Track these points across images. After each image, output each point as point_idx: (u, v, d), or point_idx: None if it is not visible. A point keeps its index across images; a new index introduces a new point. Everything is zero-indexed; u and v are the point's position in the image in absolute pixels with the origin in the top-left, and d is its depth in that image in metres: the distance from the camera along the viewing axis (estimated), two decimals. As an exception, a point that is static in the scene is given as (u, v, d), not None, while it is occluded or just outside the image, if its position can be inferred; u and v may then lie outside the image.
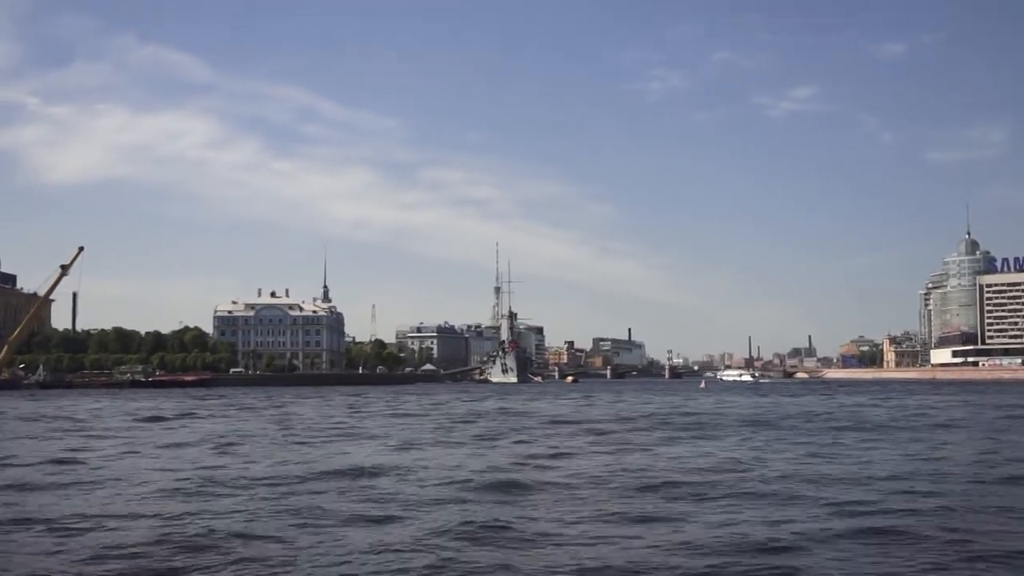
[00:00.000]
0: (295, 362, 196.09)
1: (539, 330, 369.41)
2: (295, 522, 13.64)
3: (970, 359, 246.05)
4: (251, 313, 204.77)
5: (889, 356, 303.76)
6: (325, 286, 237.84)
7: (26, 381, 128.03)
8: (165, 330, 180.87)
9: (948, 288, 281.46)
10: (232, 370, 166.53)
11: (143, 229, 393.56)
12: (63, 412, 54.41)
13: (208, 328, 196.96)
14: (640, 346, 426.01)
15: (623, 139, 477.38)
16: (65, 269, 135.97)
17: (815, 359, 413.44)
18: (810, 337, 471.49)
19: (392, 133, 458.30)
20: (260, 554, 11.41)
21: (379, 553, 11.49)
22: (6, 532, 13.16)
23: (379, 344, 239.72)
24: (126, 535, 12.74)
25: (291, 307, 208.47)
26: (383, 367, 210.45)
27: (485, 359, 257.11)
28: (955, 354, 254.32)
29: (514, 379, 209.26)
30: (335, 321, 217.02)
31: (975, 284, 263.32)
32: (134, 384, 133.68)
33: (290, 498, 16.17)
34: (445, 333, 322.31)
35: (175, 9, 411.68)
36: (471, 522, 13.58)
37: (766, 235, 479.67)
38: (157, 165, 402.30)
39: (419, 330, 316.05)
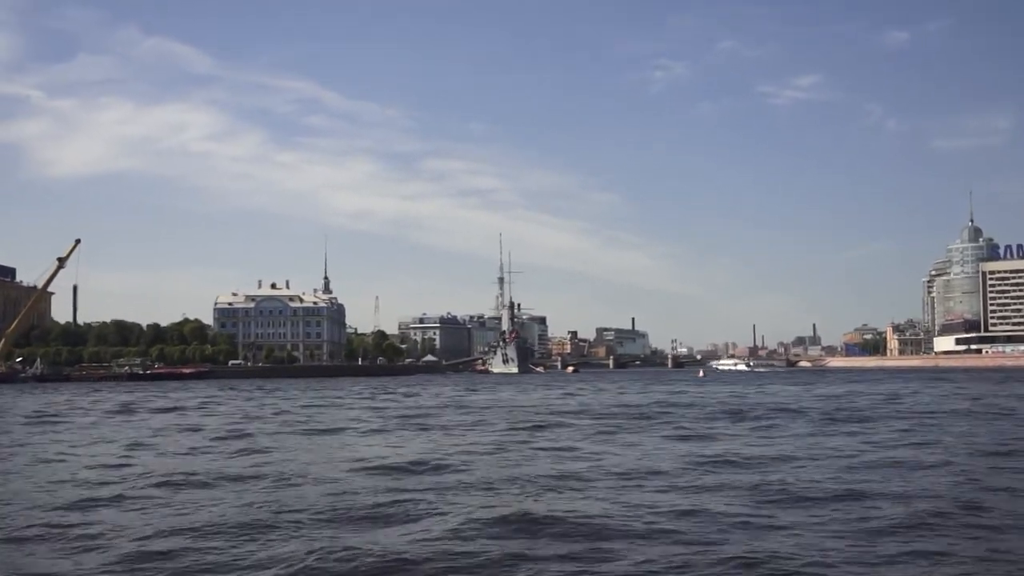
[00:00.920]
0: (295, 354, 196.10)
1: (542, 320, 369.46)
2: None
3: (973, 346, 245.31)
4: (251, 305, 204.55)
5: (892, 344, 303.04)
6: (326, 277, 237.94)
7: (23, 375, 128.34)
8: (169, 323, 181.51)
9: (951, 276, 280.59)
10: (231, 362, 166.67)
11: (146, 222, 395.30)
12: (38, 405, 54.52)
13: (209, 320, 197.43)
14: (644, 336, 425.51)
15: (626, 129, 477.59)
16: (62, 262, 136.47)
17: (819, 348, 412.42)
18: (814, 326, 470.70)
19: (395, 123, 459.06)
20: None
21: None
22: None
23: (380, 335, 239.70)
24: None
25: (291, 299, 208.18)
26: (383, 358, 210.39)
27: (486, 350, 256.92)
28: (958, 341, 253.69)
29: (515, 369, 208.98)
30: (336, 312, 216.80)
31: (978, 271, 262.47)
32: (132, 377, 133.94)
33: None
34: (448, 324, 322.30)
35: (177, 1, 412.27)
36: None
37: (770, 224, 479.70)
38: (160, 158, 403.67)
39: (422, 321, 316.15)
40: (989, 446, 23.19)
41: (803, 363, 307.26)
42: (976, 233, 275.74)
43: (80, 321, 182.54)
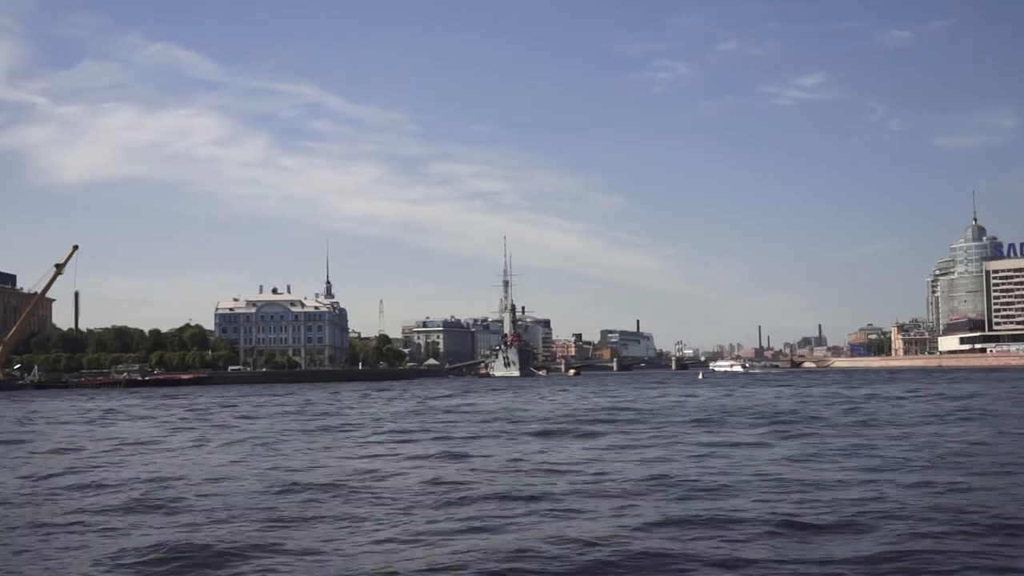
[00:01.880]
0: (296, 359, 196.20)
1: (546, 323, 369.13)
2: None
3: (978, 346, 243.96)
4: (252, 310, 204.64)
5: (897, 344, 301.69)
6: (328, 282, 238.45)
7: (20, 382, 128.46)
8: (169, 328, 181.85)
9: (955, 275, 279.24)
10: (231, 368, 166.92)
11: (151, 227, 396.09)
12: (22, 413, 54.55)
13: (211, 326, 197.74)
14: (648, 337, 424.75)
15: (631, 130, 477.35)
16: (60, 268, 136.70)
17: (825, 348, 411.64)
18: (820, 326, 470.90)
19: (399, 127, 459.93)
20: None
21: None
22: None
23: (383, 339, 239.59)
24: None
25: (293, 303, 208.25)
26: (385, 363, 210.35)
27: (488, 353, 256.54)
28: (963, 341, 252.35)
29: (516, 373, 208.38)
30: (338, 317, 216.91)
31: (982, 270, 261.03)
32: (130, 383, 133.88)
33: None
34: (451, 327, 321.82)
35: (181, 6, 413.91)
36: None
37: (775, 224, 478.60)
38: (165, 163, 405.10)
39: (425, 325, 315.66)
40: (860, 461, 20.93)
41: (808, 364, 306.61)
42: (980, 232, 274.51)
43: (83, 327, 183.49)
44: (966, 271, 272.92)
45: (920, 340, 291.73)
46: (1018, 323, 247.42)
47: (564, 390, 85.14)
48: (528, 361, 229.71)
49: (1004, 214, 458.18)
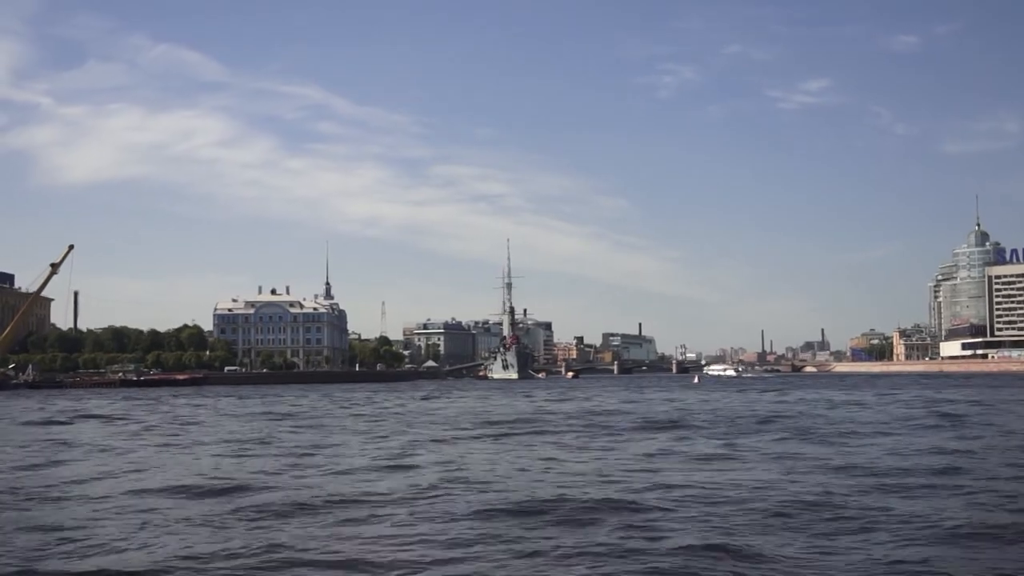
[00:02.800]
0: (295, 360, 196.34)
1: (547, 325, 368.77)
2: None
3: (979, 352, 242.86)
4: (251, 311, 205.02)
5: (899, 349, 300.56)
6: (327, 283, 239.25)
7: (15, 381, 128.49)
8: (171, 329, 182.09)
9: (958, 280, 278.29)
10: (227, 368, 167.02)
11: (155, 228, 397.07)
12: None
13: (210, 327, 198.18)
14: (650, 341, 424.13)
15: (635, 133, 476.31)
16: (55, 267, 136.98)
17: (827, 352, 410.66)
18: (823, 331, 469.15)
19: (404, 129, 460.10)
20: None
21: None
22: None
23: (382, 341, 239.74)
24: None
25: (292, 304, 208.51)
26: (383, 364, 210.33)
27: (487, 355, 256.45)
28: (964, 346, 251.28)
29: (515, 375, 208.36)
30: (337, 318, 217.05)
31: (984, 276, 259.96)
32: (124, 383, 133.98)
33: None
34: (452, 329, 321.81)
35: (186, 8, 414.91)
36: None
37: (779, 227, 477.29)
38: (169, 164, 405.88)
39: (426, 327, 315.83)
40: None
41: (809, 368, 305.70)
42: (983, 237, 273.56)
43: (83, 327, 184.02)
44: (968, 276, 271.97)
45: (922, 345, 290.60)
46: (1020, 329, 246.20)
47: (562, 393, 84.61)
48: (527, 364, 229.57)
49: (1008, 219, 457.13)
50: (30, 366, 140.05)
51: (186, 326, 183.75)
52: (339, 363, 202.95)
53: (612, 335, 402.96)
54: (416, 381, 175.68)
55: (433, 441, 29.29)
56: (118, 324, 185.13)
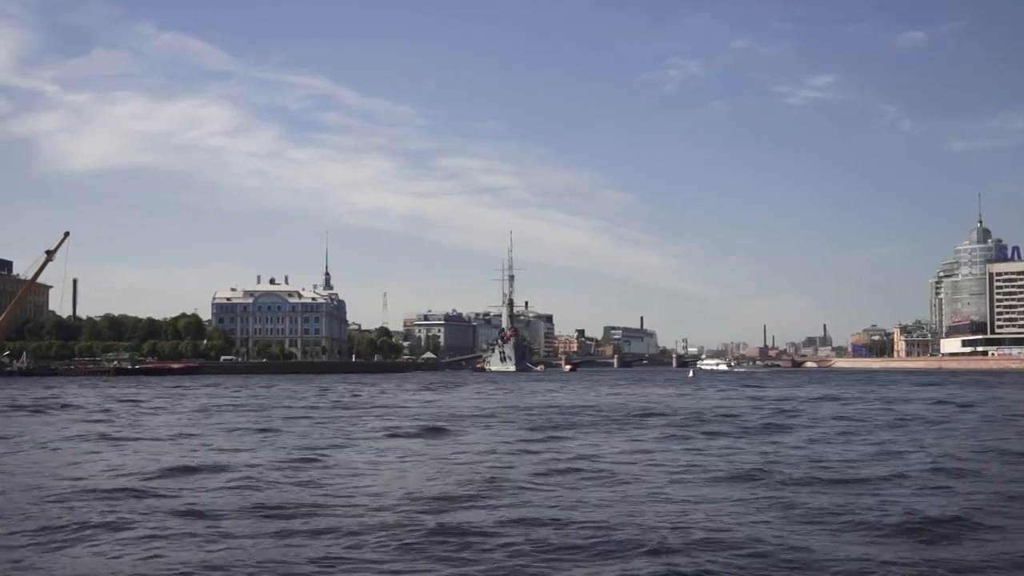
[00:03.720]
0: (292, 349, 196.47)
1: (548, 318, 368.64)
2: None
3: (980, 349, 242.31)
4: (249, 300, 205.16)
5: (900, 345, 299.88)
6: (327, 273, 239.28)
7: (9, 368, 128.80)
8: (168, 317, 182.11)
9: (959, 277, 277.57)
10: (223, 357, 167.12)
11: (158, 218, 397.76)
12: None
13: (209, 316, 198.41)
14: (651, 335, 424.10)
15: (641, 128, 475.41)
16: (51, 254, 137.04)
17: (829, 348, 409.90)
18: (825, 326, 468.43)
19: (409, 121, 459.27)
20: None
21: None
22: None
23: (381, 332, 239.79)
24: None
25: (290, 294, 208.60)
26: (380, 355, 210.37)
27: (485, 347, 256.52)
28: (965, 343, 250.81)
29: (512, 368, 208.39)
30: (336, 308, 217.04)
31: (986, 273, 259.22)
32: (119, 372, 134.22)
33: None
34: (453, 321, 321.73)
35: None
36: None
37: (782, 224, 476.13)
38: (175, 153, 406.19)
39: (426, 318, 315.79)
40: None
41: (809, 364, 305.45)
42: (984, 234, 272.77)
43: (83, 315, 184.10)
44: (970, 273, 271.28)
45: (923, 342, 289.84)
46: (1020, 326, 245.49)
47: (550, 387, 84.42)
48: (524, 356, 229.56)
49: (1011, 217, 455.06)
50: (24, 353, 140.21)
51: (184, 315, 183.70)
52: (337, 353, 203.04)
53: (614, 328, 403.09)
54: (415, 373, 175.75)
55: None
56: (117, 313, 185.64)
